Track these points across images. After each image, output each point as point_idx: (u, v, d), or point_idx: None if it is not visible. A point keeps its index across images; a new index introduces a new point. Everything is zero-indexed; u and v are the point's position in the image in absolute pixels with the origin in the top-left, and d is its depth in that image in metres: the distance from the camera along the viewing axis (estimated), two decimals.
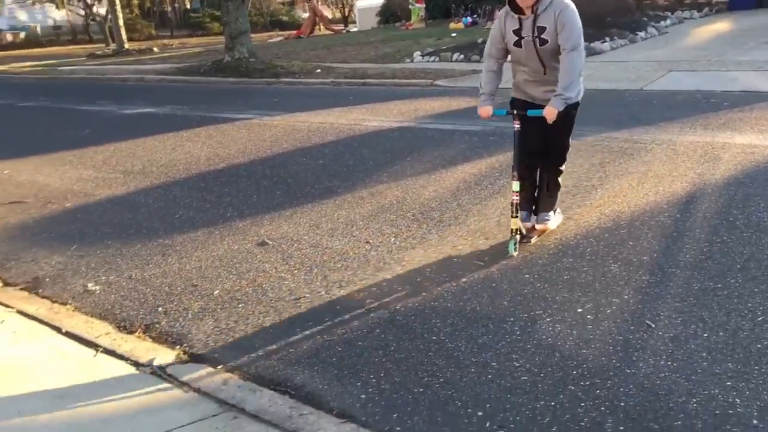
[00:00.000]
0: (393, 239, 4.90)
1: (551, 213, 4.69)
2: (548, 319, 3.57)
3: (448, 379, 3.13)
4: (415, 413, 2.91)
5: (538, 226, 4.66)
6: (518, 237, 4.45)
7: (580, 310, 3.63)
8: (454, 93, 11.43)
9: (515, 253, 4.37)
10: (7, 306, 4.21)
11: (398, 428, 2.83)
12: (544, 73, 4.26)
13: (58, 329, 3.88)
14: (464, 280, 4.11)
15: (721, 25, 16.55)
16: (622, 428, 2.67)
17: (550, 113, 4.16)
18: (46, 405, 3.11)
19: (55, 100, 14.59)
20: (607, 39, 14.60)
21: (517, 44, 4.24)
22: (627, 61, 12.83)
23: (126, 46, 27.56)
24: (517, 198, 4.41)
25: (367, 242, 4.88)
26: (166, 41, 34.37)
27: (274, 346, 3.56)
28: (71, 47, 35.26)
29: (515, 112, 4.42)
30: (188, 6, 46.71)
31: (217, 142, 8.73)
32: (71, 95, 15.41)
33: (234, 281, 4.41)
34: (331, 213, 5.59)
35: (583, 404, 2.84)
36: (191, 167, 7.52)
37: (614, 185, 5.63)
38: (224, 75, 16.36)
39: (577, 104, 4.35)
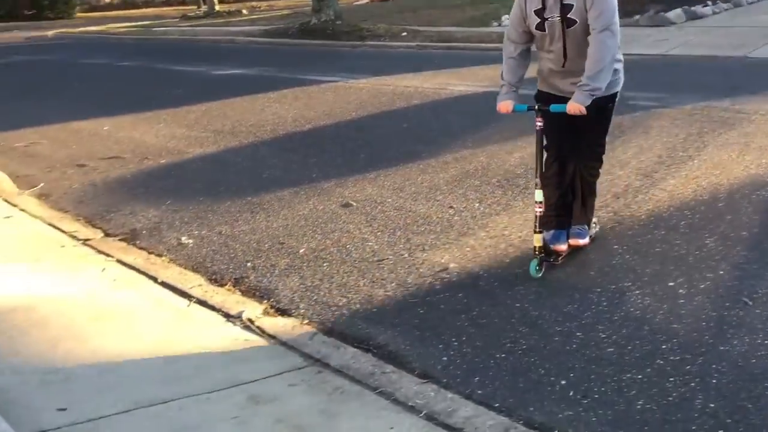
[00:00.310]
0: (477, 205, 4.86)
1: (586, 227, 3.96)
2: (637, 292, 3.47)
3: (531, 346, 3.11)
4: (497, 378, 2.91)
5: (570, 242, 3.90)
6: (543, 255, 3.73)
7: (671, 283, 3.52)
8: None
9: (539, 275, 3.68)
10: (107, 255, 4.45)
11: (479, 391, 2.84)
12: (569, 61, 3.62)
13: (154, 279, 4.07)
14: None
15: None
16: (712, 405, 2.59)
17: (573, 108, 3.51)
18: (143, 349, 3.29)
19: (150, 60, 15.10)
20: (709, 2, 13.81)
21: (540, 27, 3.59)
22: (731, 26, 12.11)
23: (216, 8, 28.11)
24: (540, 210, 3.73)
25: (451, 207, 4.87)
26: (254, 3, 34.85)
27: (358, 306, 3.63)
28: (165, 9, 36.26)
29: (537, 107, 3.76)
30: None
31: (303, 104, 8.85)
32: (165, 56, 15.91)
33: (319, 240, 4.50)
34: (414, 177, 5.59)
35: (672, 379, 2.77)
36: (278, 128, 7.65)
37: (713, 156, 5.37)
38: (311, 37, 16.47)
39: (614, 96, 3.74)
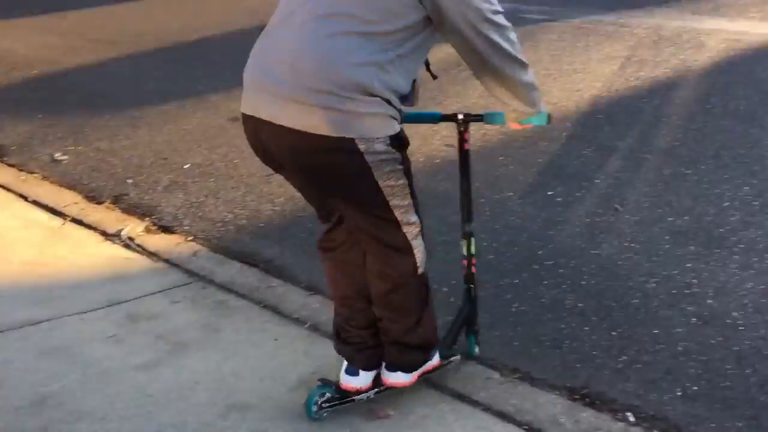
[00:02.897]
0: None
1: None
2: (518, 201, 3.59)
3: None
4: None
5: None
6: None
7: (550, 192, 3.65)
8: None
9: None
10: None
11: None
12: None
13: (24, 198, 3.83)
14: (437, 161, 4.09)
15: None
16: (581, 305, 2.75)
17: None
18: (13, 272, 3.12)
19: None
20: None
21: None
22: None
23: None
24: None
25: None
26: None
27: (245, 221, 3.56)
28: None
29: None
30: None
31: (191, 12, 8.37)
32: None
33: (205, 156, 4.35)
34: None
35: (545, 282, 2.91)
36: (162, 38, 7.23)
37: (596, 69, 5.52)
38: None
39: None
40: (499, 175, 3.87)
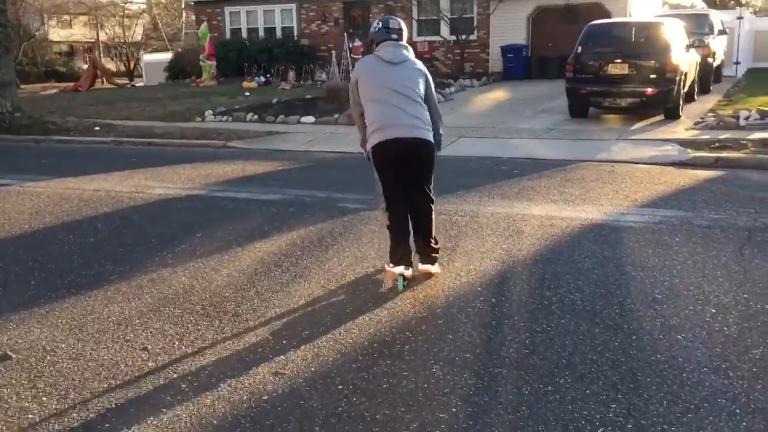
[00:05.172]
0: (177, 343, 4.04)
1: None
2: None
3: None
4: None
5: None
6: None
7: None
8: (249, 155, 10.76)
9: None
10: None
11: None
12: None
13: None
14: (265, 398, 3.39)
15: (500, 94, 17.67)
16: None
17: None
18: None
19: None
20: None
21: None
22: None
23: None
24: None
25: (145, 349, 3.98)
26: None
27: None
28: None
29: None
30: None
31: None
32: None
33: None
34: (99, 309, 4.59)
35: None
36: None
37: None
38: None
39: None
40: (341, 413, 3.24)
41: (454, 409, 3.22)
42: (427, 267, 4.95)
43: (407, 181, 4.80)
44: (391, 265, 4.88)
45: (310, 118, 13.90)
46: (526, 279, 4.89)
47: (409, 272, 4.81)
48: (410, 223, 4.90)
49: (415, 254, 4.94)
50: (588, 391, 3.33)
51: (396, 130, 4.62)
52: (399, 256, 4.81)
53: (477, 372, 3.57)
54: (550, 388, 3.38)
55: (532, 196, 7.34)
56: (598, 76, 12.22)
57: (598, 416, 3.12)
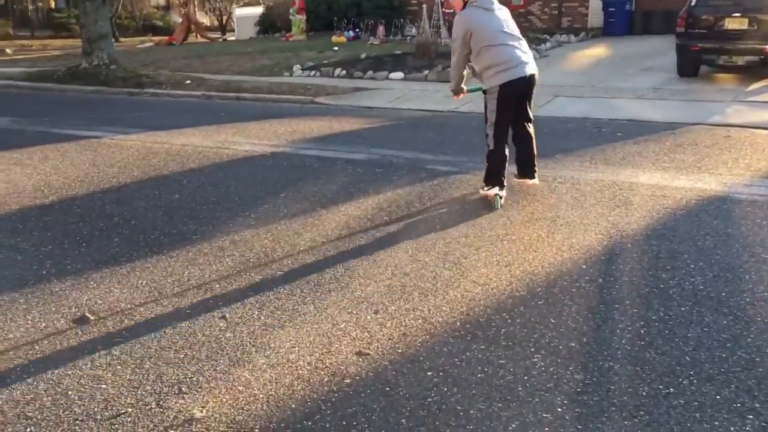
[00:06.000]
0: (256, 312, 3.82)
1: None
2: None
3: None
4: None
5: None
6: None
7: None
8: (336, 112, 10.48)
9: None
10: None
11: None
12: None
13: None
14: (347, 381, 3.10)
15: (599, 50, 16.61)
16: None
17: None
18: None
19: None
20: None
21: None
22: None
23: None
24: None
25: (224, 317, 3.77)
26: (24, 42, 31.17)
27: None
28: None
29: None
30: (52, 5, 43.00)
31: (51, 167, 7.27)
32: None
33: (28, 384, 3.17)
34: (180, 271, 4.42)
35: None
36: (10, 200, 6.07)
37: (522, 235, 4.83)
38: (81, 83, 14.55)
39: (485, 90, 5.52)
40: (431, 404, 2.92)
41: (559, 409, 2.84)
42: (532, 180, 5.86)
43: (520, 109, 5.49)
44: (487, 187, 5.50)
45: (399, 75, 13.47)
46: (637, 257, 4.38)
47: (504, 192, 5.45)
48: (507, 149, 5.56)
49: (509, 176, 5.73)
50: (718, 397, 2.86)
51: (521, 69, 5.30)
52: (499, 179, 5.43)
53: (584, 365, 3.16)
54: (671, 389, 2.93)
55: (639, 162, 6.71)
56: (713, 31, 11.19)
57: (732, 429, 2.66)
